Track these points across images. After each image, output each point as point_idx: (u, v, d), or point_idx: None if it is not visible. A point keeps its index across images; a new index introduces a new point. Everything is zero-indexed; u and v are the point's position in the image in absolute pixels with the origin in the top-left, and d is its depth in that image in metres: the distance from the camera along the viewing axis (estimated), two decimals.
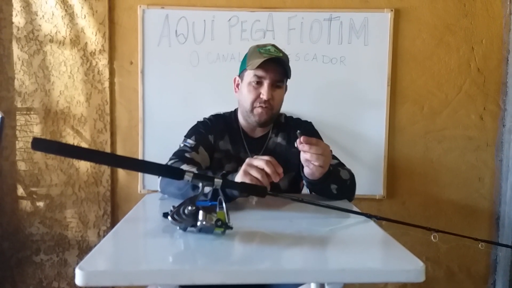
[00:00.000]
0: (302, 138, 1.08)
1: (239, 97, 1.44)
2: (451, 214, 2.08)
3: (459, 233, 1.31)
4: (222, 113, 1.53)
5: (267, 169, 1.00)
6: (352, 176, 1.31)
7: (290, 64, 1.39)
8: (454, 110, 2.05)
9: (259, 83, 1.34)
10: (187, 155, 1.31)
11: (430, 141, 2.06)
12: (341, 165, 1.36)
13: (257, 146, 1.44)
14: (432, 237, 1.09)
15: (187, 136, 1.44)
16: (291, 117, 1.53)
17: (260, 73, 1.33)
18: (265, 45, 1.38)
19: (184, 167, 1.18)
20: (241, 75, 1.43)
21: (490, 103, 2.04)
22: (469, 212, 2.08)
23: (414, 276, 0.70)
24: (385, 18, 1.98)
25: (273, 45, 1.39)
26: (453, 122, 2.05)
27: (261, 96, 1.34)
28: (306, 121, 1.52)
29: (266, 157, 1.03)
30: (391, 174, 2.05)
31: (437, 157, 2.07)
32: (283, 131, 1.46)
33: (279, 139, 1.45)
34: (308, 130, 1.48)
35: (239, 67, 1.47)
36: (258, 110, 1.36)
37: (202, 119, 1.51)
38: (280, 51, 1.37)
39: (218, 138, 1.43)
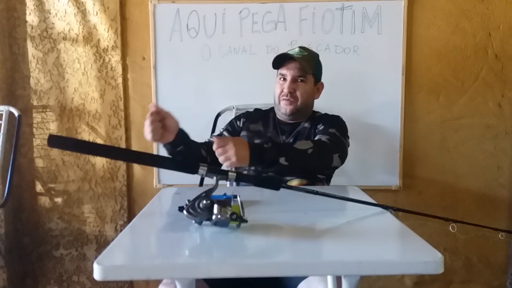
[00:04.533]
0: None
1: None
2: (469, 204, 2.05)
3: (477, 223, 1.29)
4: (263, 109, 1.68)
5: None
6: (319, 143, 1.35)
7: None
8: (471, 98, 2.01)
9: (284, 79, 1.50)
10: (211, 139, 1.51)
11: (447, 130, 2.02)
12: (325, 138, 1.40)
13: (288, 130, 1.55)
14: (450, 228, 1.08)
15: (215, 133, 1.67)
16: (324, 113, 1.62)
17: (282, 71, 1.51)
18: (294, 48, 1.54)
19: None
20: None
21: (509, 90, 1.99)
22: (488, 202, 2.05)
23: (432, 268, 0.69)
24: (399, 5, 1.94)
25: (301, 47, 1.54)
26: (470, 110, 2.01)
27: (283, 90, 1.49)
28: (336, 115, 1.58)
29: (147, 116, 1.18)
30: (407, 164, 2.02)
31: (454, 146, 2.03)
32: (313, 121, 1.56)
33: (306, 125, 1.55)
34: (331, 119, 1.55)
35: None
36: (282, 102, 1.51)
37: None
38: (306, 51, 1.52)
39: (249, 122, 1.60)
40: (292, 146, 1.29)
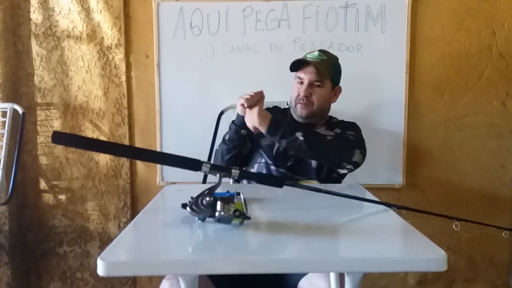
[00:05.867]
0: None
1: None
2: (472, 203, 2.04)
3: (481, 222, 1.29)
4: (282, 107, 1.70)
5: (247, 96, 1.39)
6: (341, 136, 1.45)
7: (306, 53, 1.44)
8: (475, 97, 2.00)
9: (302, 83, 1.51)
10: None
11: (451, 128, 2.02)
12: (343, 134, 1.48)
13: (305, 127, 1.55)
14: (454, 226, 1.08)
15: None
16: (339, 120, 1.64)
17: (300, 74, 1.52)
18: (313, 51, 1.54)
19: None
20: None
21: None
22: (492, 201, 2.04)
23: (435, 265, 0.69)
24: (403, 3, 1.93)
25: (320, 50, 1.54)
26: (474, 109, 2.00)
27: (300, 93, 1.51)
28: (350, 122, 1.60)
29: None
30: (411, 162, 2.02)
31: (458, 145, 2.02)
32: (329, 125, 1.58)
33: (323, 128, 1.57)
34: (348, 124, 1.58)
35: None
36: (298, 105, 1.52)
37: None
38: (326, 55, 1.53)
39: None
40: (312, 128, 1.37)
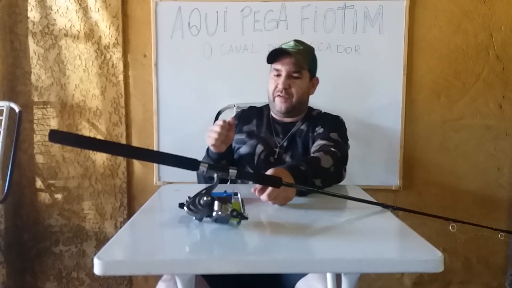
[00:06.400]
0: (253, 190, 1.01)
1: None
2: (469, 205, 2.05)
3: (477, 223, 1.29)
4: (258, 106, 1.65)
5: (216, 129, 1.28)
6: (336, 159, 1.26)
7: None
8: (472, 99, 2.01)
9: (279, 75, 1.46)
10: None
11: (447, 130, 2.02)
12: (331, 146, 1.33)
13: (282, 130, 1.52)
14: (450, 227, 1.08)
15: None
16: (322, 112, 1.58)
17: (277, 66, 1.46)
18: (288, 41, 1.49)
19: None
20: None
21: (510, 91, 1.99)
22: (488, 203, 2.05)
23: (432, 266, 0.69)
24: (401, 5, 1.94)
25: (296, 40, 1.49)
26: (471, 111, 2.01)
27: (278, 86, 1.46)
28: (335, 115, 1.55)
29: (218, 122, 1.29)
30: (408, 164, 2.02)
31: (455, 147, 2.03)
32: (309, 121, 1.52)
33: (303, 126, 1.51)
34: (331, 121, 1.50)
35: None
36: (277, 99, 1.47)
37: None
38: (302, 45, 1.48)
39: (242, 123, 1.56)
40: (320, 164, 1.18)
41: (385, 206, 1.02)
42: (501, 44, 1.97)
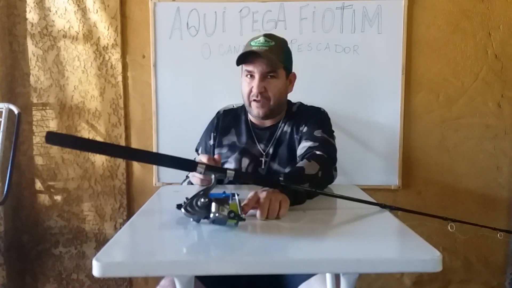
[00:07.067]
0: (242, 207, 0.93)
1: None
2: (468, 204, 2.05)
3: (476, 223, 1.29)
4: (234, 106, 1.55)
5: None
6: (323, 162, 1.19)
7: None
8: (470, 98, 2.01)
9: (252, 76, 1.35)
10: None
11: (446, 130, 2.02)
12: (316, 148, 1.27)
13: (265, 136, 1.43)
14: (449, 227, 1.08)
15: (197, 146, 1.58)
16: (303, 105, 1.50)
17: (249, 67, 1.34)
18: (258, 37, 1.36)
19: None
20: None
21: (508, 90, 1.99)
22: (487, 202, 2.05)
23: (430, 266, 0.69)
24: (399, 5, 1.94)
25: (266, 35, 1.36)
26: (469, 110, 2.01)
27: (252, 89, 1.35)
28: (317, 108, 1.47)
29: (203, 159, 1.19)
30: (407, 164, 2.02)
31: (454, 146, 2.03)
32: (292, 120, 1.43)
33: (286, 127, 1.42)
34: (313, 116, 1.41)
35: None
36: (254, 104, 1.36)
37: (214, 115, 1.56)
38: (273, 39, 1.34)
39: (221, 135, 1.48)
40: (304, 173, 1.12)
41: (383, 206, 1.02)
42: (500, 43, 1.97)
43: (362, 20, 1.96)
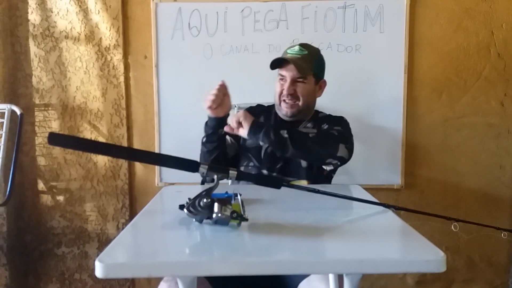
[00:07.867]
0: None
1: None
2: (471, 203, 2.04)
3: (479, 222, 1.28)
4: (266, 105, 1.67)
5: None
6: (326, 134, 1.43)
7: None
8: (473, 97, 2.00)
9: (284, 80, 1.48)
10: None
11: (449, 128, 2.02)
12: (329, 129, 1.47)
13: (288, 127, 1.50)
14: (452, 227, 1.07)
15: None
16: (328, 114, 1.60)
17: (282, 72, 1.49)
18: (294, 46, 1.51)
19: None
20: None
21: (511, 88, 1.98)
22: (490, 201, 2.04)
23: (434, 266, 0.69)
24: (401, 4, 1.93)
25: (301, 45, 1.50)
26: (472, 109, 2.00)
27: (283, 91, 1.48)
28: (339, 116, 1.57)
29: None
30: (409, 163, 2.02)
31: (456, 145, 2.02)
32: (315, 121, 1.55)
33: (308, 125, 1.54)
34: (335, 120, 1.54)
35: None
36: (283, 104, 1.49)
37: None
38: (306, 49, 1.48)
39: None
40: (294, 128, 1.37)
41: (387, 206, 1.02)
42: (503, 42, 1.96)
43: (364, 19, 1.95)
